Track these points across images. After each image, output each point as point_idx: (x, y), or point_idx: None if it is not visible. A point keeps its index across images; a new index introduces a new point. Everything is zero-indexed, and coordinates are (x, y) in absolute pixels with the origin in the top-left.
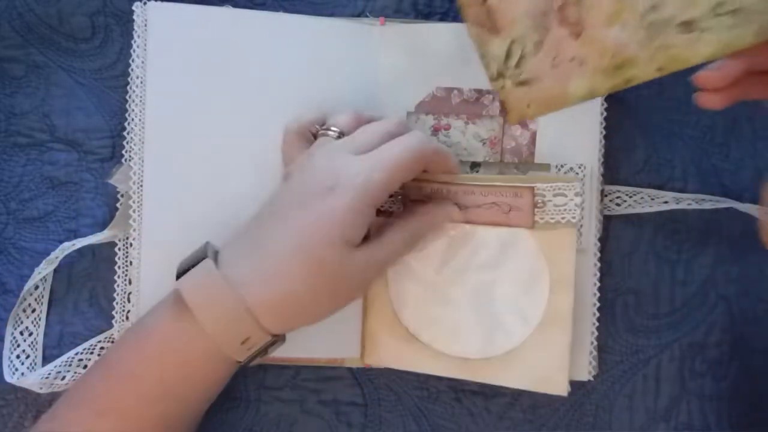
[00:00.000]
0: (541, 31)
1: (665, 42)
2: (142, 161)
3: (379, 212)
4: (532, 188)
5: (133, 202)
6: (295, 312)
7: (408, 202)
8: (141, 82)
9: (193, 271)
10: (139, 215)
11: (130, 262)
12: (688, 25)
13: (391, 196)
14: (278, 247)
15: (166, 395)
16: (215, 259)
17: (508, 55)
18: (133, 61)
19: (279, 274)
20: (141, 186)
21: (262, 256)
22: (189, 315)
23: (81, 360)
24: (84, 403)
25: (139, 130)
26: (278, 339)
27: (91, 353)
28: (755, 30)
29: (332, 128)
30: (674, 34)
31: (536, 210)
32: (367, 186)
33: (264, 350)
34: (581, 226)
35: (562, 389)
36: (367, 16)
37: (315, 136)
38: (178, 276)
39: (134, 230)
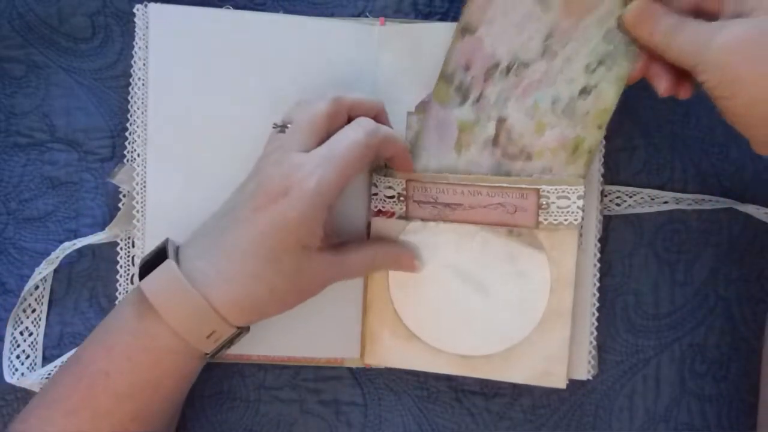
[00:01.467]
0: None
1: (582, 110)
2: (145, 162)
3: (380, 212)
4: (538, 190)
5: (137, 202)
6: (257, 308)
7: (411, 203)
8: (143, 84)
9: (156, 271)
10: (142, 215)
11: (132, 262)
12: (584, 91)
13: (392, 197)
14: (238, 249)
15: (137, 392)
16: (176, 256)
17: None
18: (134, 63)
19: (239, 274)
20: (144, 186)
21: (223, 256)
22: (154, 313)
23: None
24: (56, 402)
25: (142, 131)
26: (243, 330)
27: None
28: (626, 60)
29: (287, 125)
30: (583, 102)
31: (540, 211)
32: (318, 189)
33: (230, 341)
34: (581, 227)
35: (560, 382)
36: (367, 16)
37: None
38: (141, 273)
39: (138, 230)
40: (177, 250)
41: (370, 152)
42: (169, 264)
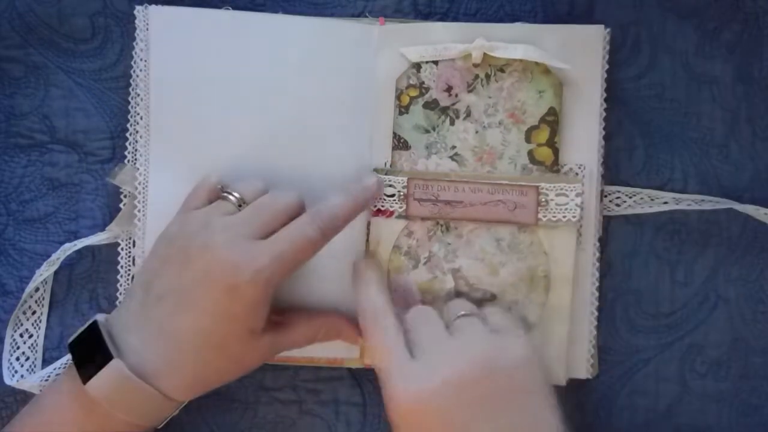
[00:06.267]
0: None
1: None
2: (147, 162)
3: (379, 212)
4: (537, 187)
5: (139, 202)
6: (205, 387)
7: (411, 201)
8: (144, 86)
9: (104, 373)
10: (143, 215)
11: (133, 262)
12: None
13: (392, 195)
14: (187, 337)
15: None
16: (113, 342)
17: None
18: (135, 63)
19: (190, 363)
20: (146, 187)
21: (172, 345)
22: (104, 409)
23: None
24: None
25: (144, 132)
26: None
27: None
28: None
29: (233, 193)
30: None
31: (539, 208)
32: (269, 283)
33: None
34: (581, 225)
35: (560, 380)
36: (367, 16)
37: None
38: (72, 350)
39: (139, 230)
40: (111, 334)
41: (319, 247)
42: (117, 364)
